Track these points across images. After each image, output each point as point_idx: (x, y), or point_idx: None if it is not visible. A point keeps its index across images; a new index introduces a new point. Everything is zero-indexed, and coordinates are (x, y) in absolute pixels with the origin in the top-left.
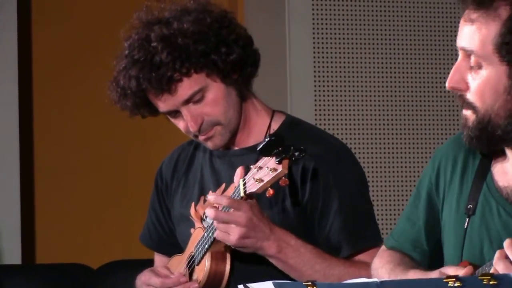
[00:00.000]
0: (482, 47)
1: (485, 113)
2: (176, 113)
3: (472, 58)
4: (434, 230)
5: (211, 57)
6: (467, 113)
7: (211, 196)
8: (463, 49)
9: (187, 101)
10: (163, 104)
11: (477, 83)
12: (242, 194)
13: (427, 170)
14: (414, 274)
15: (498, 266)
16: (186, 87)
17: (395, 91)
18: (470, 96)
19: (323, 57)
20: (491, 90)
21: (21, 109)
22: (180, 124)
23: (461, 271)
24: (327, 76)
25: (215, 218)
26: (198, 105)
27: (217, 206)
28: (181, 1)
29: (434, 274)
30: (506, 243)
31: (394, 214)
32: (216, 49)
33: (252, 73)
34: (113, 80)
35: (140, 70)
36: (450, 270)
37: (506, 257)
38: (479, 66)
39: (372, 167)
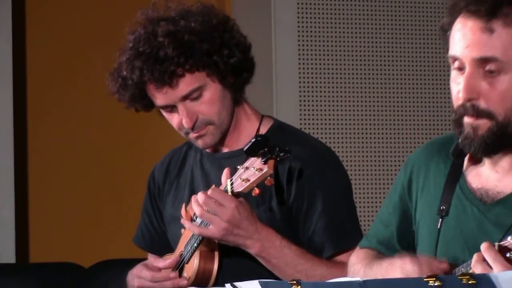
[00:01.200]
0: (505, 53)
1: (505, 117)
2: (172, 108)
3: (492, 66)
4: (406, 233)
5: (213, 57)
6: (480, 121)
7: (198, 195)
8: (481, 59)
9: (185, 97)
10: (162, 97)
11: (499, 89)
12: (229, 193)
13: (400, 176)
14: (388, 263)
15: (476, 269)
16: (187, 83)
17: (376, 98)
18: (487, 103)
19: (307, 64)
20: None
21: (15, 109)
22: (174, 119)
23: (435, 263)
24: (311, 83)
25: (204, 203)
26: (195, 102)
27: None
28: (187, 2)
29: (408, 261)
30: (483, 246)
31: (373, 213)
32: (219, 50)
33: (247, 79)
34: (114, 71)
35: (145, 62)
36: (425, 260)
37: (484, 260)
38: (500, 72)
39: (355, 170)
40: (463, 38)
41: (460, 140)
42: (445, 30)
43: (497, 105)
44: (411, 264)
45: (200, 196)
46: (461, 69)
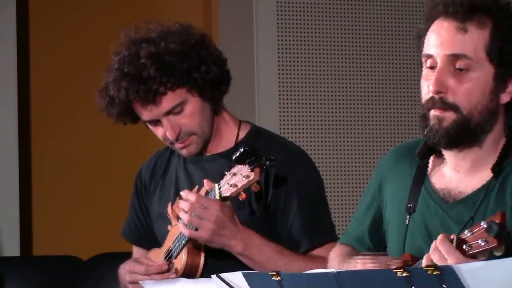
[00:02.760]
0: (475, 52)
1: (470, 112)
2: (157, 122)
3: (462, 62)
4: (377, 230)
5: (192, 74)
6: (446, 114)
7: (183, 192)
8: (452, 55)
9: (168, 112)
10: (148, 114)
11: (466, 85)
12: (217, 197)
13: (372, 179)
14: (359, 261)
15: (433, 256)
16: (169, 99)
17: (349, 106)
18: (454, 97)
19: (286, 76)
20: (479, 91)
21: (20, 110)
22: (159, 132)
23: (391, 264)
24: (290, 92)
25: (190, 209)
26: (177, 116)
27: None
28: (166, 22)
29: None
30: (438, 239)
31: (348, 213)
32: (197, 67)
33: (225, 90)
34: (102, 90)
35: (130, 82)
36: (382, 260)
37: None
38: (468, 70)
39: (329, 171)
40: (438, 37)
41: (425, 132)
42: (420, 36)
43: (463, 100)
44: (370, 263)
45: (185, 205)
46: (432, 68)
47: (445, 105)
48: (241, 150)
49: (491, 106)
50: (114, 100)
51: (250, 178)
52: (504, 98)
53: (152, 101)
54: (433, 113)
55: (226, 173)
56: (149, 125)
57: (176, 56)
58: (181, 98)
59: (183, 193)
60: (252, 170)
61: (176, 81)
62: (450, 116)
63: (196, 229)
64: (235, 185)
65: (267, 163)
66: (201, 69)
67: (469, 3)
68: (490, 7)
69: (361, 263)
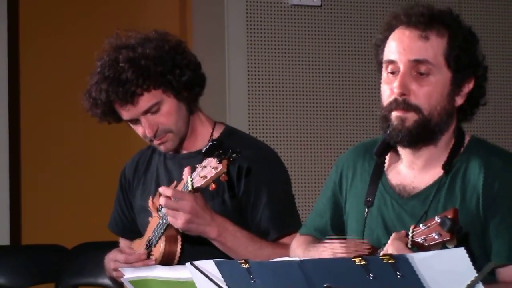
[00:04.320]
0: (435, 58)
1: (430, 112)
2: (136, 121)
3: (424, 67)
4: (338, 221)
5: (167, 77)
6: (408, 114)
7: (161, 188)
8: (415, 60)
9: (146, 112)
10: (127, 113)
11: (427, 88)
12: (190, 188)
13: (332, 174)
14: (322, 246)
15: (389, 250)
16: (146, 100)
17: (310, 109)
18: (416, 99)
19: (254, 80)
20: (438, 93)
21: (10, 104)
22: (139, 130)
23: (359, 244)
24: (258, 95)
25: (165, 205)
26: (154, 115)
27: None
28: (144, 30)
29: (337, 243)
30: (391, 238)
31: (311, 204)
32: (171, 71)
33: (199, 92)
34: (86, 92)
35: (110, 84)
36: (351, 242)
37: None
38: (428, 74)
39: (295, 167)
40: (400, 44)
41: (388, 132)
42: (378, 45)
43: (424, 102)
44: (340, 246)
45: (161, 200)
46: (393, 72)
47: (408, 106)
48: (209, 144)
49: (448, 108)
50: (97, 101)
51: (218, 170)
52: (459, 101)
53: (130, 102)
54: (395, 114)
55: (197, 166)
56: (130, 124)
57: (151, 60)
58: (157, 98)
59: (161, 189)
60: (220, 162)
61: (151, 83)
62: (412, 116)
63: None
64: (205, 177)
65: (233, 155)
66: (175, 72)
67: (429, 14)
68: (447, 19)
69: (329, 249)
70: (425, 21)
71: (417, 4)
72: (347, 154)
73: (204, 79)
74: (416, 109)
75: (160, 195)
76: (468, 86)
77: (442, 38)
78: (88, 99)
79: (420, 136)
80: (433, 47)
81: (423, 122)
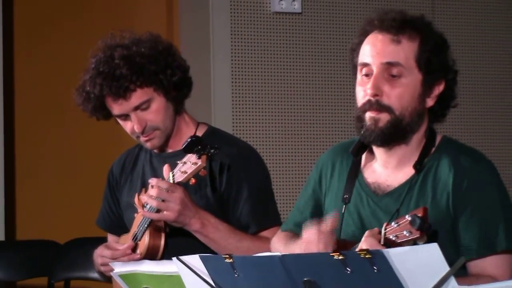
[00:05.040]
0: (406, 60)
1: (401, 113)
2: (126, 116)
3: (396, 70)
4: (317, 217)
5: (159, 76)
6: (381, 115)
7: (153, 180)
8: (387, 63)
9: (136, 108)
10: (119, 108)
11: (398, 89)
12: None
13: (313, 173)
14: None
15: (363, 245)
16: (138, 96)
17: (290, 111)
18: (388, 100)
19: (238, 83)
20: (409, 95)
21: (5, 104)
22: (128, 125)
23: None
24: (242, 97)
25: (158, 195)
26: (144, 112)
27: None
28: (138, 31)
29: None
30: (365, 235)
31: (291, 201)
32: (163, 70)
33: (187, 94)
34: (79, 87)
35: (104, 79)
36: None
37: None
38: (400, 76)
39: (276, 166)
40: (374, 47)
41: (362, 132)
42: (354, 49)
43: (396, 102)
44: (312, 231)
45: (153, 191)
46: (367, 75)
47: (381, 107)
48: (189, 140)
49: (419, 109)
50: (90, 95)
51: (198, 165)
52: (429, 102)
53: (122, 96)
54: (369, 114)
55: (178, 162)
56: (119, 120)
57: (145, 58)
58: (148, 96)
59: (153, 181)
60: (199, 158)
61: (145, 80)
62: (385, 117)
63: (159, 212)
64: (186, 172)
65: (212, 150)
66: (167, 72)
67: (401, 19)
68: (418, 23)
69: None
70: (397, 26)
71: (390, 10)
72: (327, 153)
73: (191, 82)
74: (388, 109)
75: (145, 192)
76: (439, 89)
77: (413, 42)
78: (81, 93)
79: (392, 135)
80: (405, 50)
81: (395, 122)
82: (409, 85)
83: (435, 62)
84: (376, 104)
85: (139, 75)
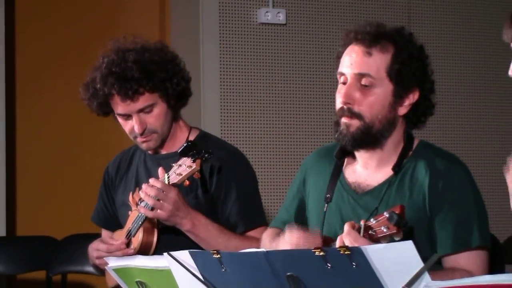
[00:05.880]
0: (377, 72)
1: (371, 120)
2: (128, 116)
3: (367, 80)
4: (301, 215)
5: (166, 83)
6: (352, 121)
7: (151, 180)
8: (359, 74)
9: (140, 110)
10: (124, 108)
11: (369, 98)
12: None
13: (298, 174)
14: (283, 239)
15: (345, 241)
16: (144, 99)
17: (276, 116)
18: (359, 108)
19: (226, 89)
20: (380, 103)
21: (7, 105)
22: (128, 125)
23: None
24: (230, 103)
25: (155, 195)
26: (146, 115)
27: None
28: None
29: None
30: (345, 229)
31: (277, 201)
32: (170, 79)
33: (184, 103)
34: (88, 83)
35: (116, 79)
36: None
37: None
38: (371, 86)
39: (262, 168)
40: (350, 58)
41: (336, 135)
42: (338, 57)
43: (366, 110)
44: (297, 237)
45: (151, 190)
46: (344, 83)
47: (352, 114)
48: (185, 145)
49: (389, 117)
50: (98, 92)
51: (192, 168)
52: (402, 111)
53: (130, 98)
54: (343, 120)
55: (173, 164)
56: (120, 119)
57: (156, 65)
58: (153, 100)
59: (151, 180)
60: (193, 161)
61: (154, 85)
62: (355, 123)
63: (153, 210)
64: (180, 174)
65: (206, 155)
66: (173, 81)
67: (375, 32)
68: (393, 35)
69: (288, 242)
70: (370, 39)
71: (369, 23)
72: (311, 156)
73: (191, 93)
74: (358, 116)
75: (139, 190)
76: (412, 98)
77: (385, 54)
78: (89, 89)
79: (362, 140)
80: (376, 62)
81: (365, 128)
82: (379, 94)
83: (407, 73)
84: (348, 111)
85: (149, 80)
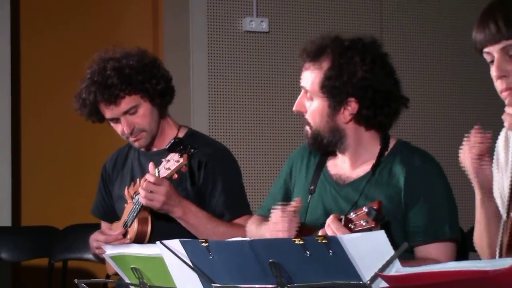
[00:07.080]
0: (312, 87)
1: (316, 129)
2: (117, 120)
3: (307, 93)
4: (287, 204)
5: (145, 85)
6: (307, 128)
7: (146, 175)
8: (303, 87)
9: (125, 112)
10: (110, 112)
11: (310, 109)
12: None
13: (285, 166)
14: (266, 226)
15: (328, 231)
16: (127, 102)
17: (262, 115)
18: (307, 116)
19: (214, 90)
20: (318, 115)
21: (13, 102)
22: (118, 128)
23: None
24: (217, 103)
25: (146, 188)
26: (132, 116)
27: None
28: (127, 46)
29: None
30: (329, 220)
31: (261, 193)
32: (149, 80)
33: (169, 100)
34: (77, 94)
35: (98, 88)
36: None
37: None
38: (311, 99)
39: (245, 161)
40: (303, 74)
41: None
42: None
43: (311, 120)
44: (279, 211)
45: (144, 184)
46: None
47: (306, 122)
48: (172, 141)
49: (332, 125)
50: (86, 102)
51: (180, 162)
52: (344, 120)
53: (113, 102)
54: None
55: (163, 160)
56: (111, 123)
57: (133, 70)
58: (136, 102)
59: (147, 175)
60: (181, 156)
61: (133, 88)
62: (308, 130)
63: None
64: (169, 168)
65: (192, 150)
66: (152, 81)
67: (316, 48)
68: (332, 51)
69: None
70: (311, 55)
71: (316, 39)
72: (298, 150)
73: (174, 90)
74: (308, 124)
75: (134, 185)
76: (351, 108)
77: (320, 70)
78: (78, 100)
79: (315, 145)
80: (312, 77)
81: (314, 135)
82: (317, 106)
83: (339, 86)
84: (304, 119)
85: (128, 84)
